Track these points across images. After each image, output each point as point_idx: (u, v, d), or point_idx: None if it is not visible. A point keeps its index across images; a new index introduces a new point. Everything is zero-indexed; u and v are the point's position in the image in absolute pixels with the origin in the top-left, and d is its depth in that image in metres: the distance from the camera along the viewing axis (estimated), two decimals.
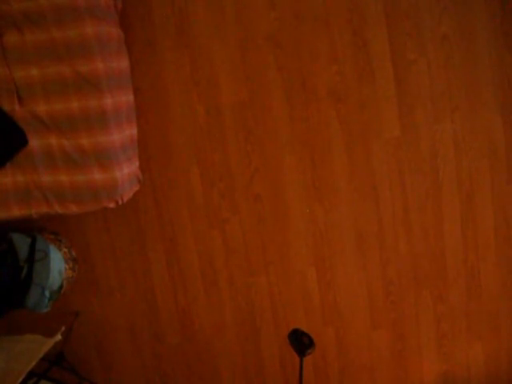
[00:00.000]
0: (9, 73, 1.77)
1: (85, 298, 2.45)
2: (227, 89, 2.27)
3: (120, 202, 1.97)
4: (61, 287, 2.08)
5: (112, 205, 1.94)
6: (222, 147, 2.32)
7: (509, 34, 2.21)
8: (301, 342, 1.93)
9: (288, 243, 2.40)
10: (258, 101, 2.28)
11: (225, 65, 2.25)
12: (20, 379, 1.78)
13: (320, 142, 2.31)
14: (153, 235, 2.39)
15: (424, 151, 2.32)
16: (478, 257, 2.41)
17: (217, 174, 2.34)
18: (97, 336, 2.50)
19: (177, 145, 2.32)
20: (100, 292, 2.45)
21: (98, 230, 2.39)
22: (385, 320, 2.47)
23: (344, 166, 2.33)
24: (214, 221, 2.38)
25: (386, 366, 2.53)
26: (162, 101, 2.28)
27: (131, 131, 2.07)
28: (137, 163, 2.15)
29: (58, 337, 1.95)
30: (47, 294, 1.98)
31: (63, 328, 2.02)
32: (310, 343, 1.92)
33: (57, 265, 2.06)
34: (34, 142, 1.83)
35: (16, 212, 1.88)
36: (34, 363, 1.85)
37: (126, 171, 1.97)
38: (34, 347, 1.96)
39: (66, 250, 2.22)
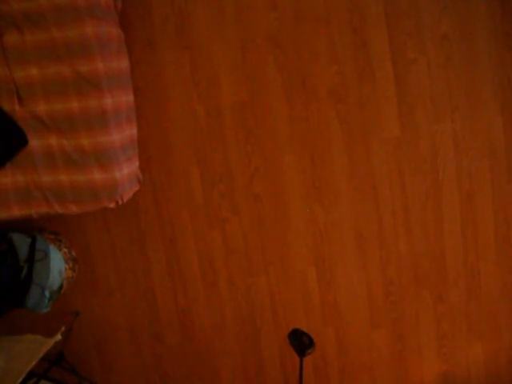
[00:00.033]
0: (9, 73, 1.77)
1: (85, 298, 2.45)
2: (227, 89, 2.27)
3: (120, 202, 1.97)
4: (61, 287, 2.08)
5: (112, 205, 1.94)
6: (222, 147, 2.32)
7: (509, 34, 2.21)
8: (301, 341, 1.93)
9: (288, 243, 2.40)
10: (257, 101, 2.28)
11: (225, 65, 2.25)
12: (20, 379, 1.78)
13: (320, 142, 2.31)
14: (153, 235, 2.39)
15: (424, 151, 2.32)
16: (478, 257, 2.41)
17: (217, 174, 2.34)
18: (97, 336, 2.50)
19: (177, 145, 2.32)
20: (100, 292, 2.45)
21: (98, 230, 2.39)
22: (385, 320, 2.47)
23: (344, 165, 2.33)
24: (214, 221, 2.38)
25: (385, 365, 2.53)
26: (161, 101, 2.28)
27: (131, 131, 2.07)
28: (137, 163, 2.15)
29: (58, 337, 1.95)
30: (47, 294, 1.98)
31: (63, 328, 2.02)
32: (310, 343, 1.92)
33: (57, 265, 2.06)
34: (34, 142, 1.83)
35: (16, 212, 1.88)
36: (33, 363, 1.85)
37: (126, 171, 1.97)
38: (34, 347, 1.96)
39: (65, 250, 2.22)
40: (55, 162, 1.84)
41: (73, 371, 2.28)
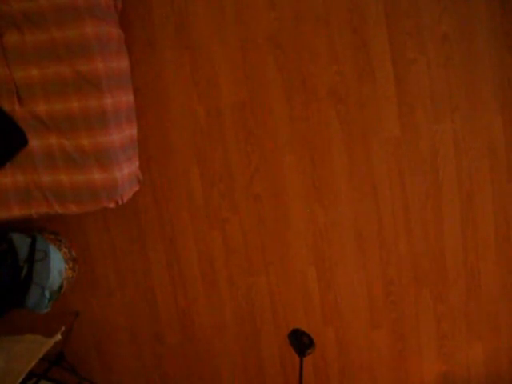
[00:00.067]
0: (9, 73, 1.77)
1: (85, 298, 2.45)
2: (227, 89, 2.27)
3: (120, 202, 1.97)
4: (61, 287, 2.08)
5: (112, 205, 1.94)
6: (222, 147, 2.32)
7: (509, 34, 2.21)
8: (301, 341, 1.93)
9: (288, 243, 2.40)
10: (257, 101, 2.28)
11: (225, 65, 2.25)
12: (20, 379, 1.78)
13: (320, 142, 2.31)
14: (153, 235, 2.39)
15: (424, 151, 2.32)
16: (478, 257, 2.41)
17: (217, 174, 2.34)
18: (97, 336, 2.50)
19: (177, 145, 2.32)
20: (100, 292, 2.45)
21: (98, 230, 2.39)
22: (385, 320, 2.47)
23: (344, 165, 2.33)
24: (214, 221, 2.38)
25: (386, 366, 2.53)
26: (161, 101, 2.28)
27: (131, 131, 2.07)
28: (137, 163, 2.15)
29: (58, 337, 1.95)
30: (47, 294, 1.98)
31: (63, 328, 2.02)
32: (310, 343, 1.92)
33: (57, 265, 2.06)
34: (34, 142, 1.83)
35: (16, 212, 1.88)
36: (33, 363, 1.85)
37: (126, 171, 1.97)
38: (34, 347, 1.96)
39: (65, 250, 2.22)
40: (55, 161, 1.84)
41: (73, 371, 2.28)
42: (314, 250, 2.40)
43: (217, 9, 2.21)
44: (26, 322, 2.40)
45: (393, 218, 2.37)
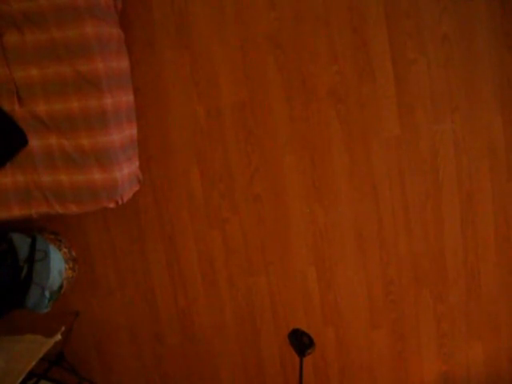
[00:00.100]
0: (9, 73, 1.77)
1: (85, 298, 2.45)
2: (227, 89, 2.27)
3: (120, 202, 1.97)
4: (61, 287, 2.08)
5: (112, 205, 1.94)
6: (222, 147, 2.32)
7: (509, 34, 2.21)
8: (301, 341, 1.93)
9: (288, 243, 2.40)
10: (257, 101, 2.28)
11: (225, 65, 2.25)
12: (20, 379, 1.78)
13: (320, 142, 2.31)
14: (153, 235, 2.39)
15: (424, 151, 2.32)
16: (478, 257, 2.41)
17: (217, 174, 2.34)
18: (97, 336, 2.50)
19: (177, 145, 2.32)
20: (100, 292, 2.45)
21: (98, 230, 2.39)
22: (385, 320, 2.47)
23: (344, 165, 2.33)
24: (213, 221, 2.38)
25: (386, 365, 2.53)
26: (161, 101, 2.28)
27: (131, 131, 2.07)
28: (137, 163, 2.15)
29: (58, 337, 1.95)
30: (47, 294, 1.98)
31: (63, 328, 2.02)
32: (310, 343, 1.92)
33: (57, 265, 2.06)
34: (34, 142, 1.83)
35: (16, 212, 1.88)
36: (33, 363, 1.85)
37: (126, 171, 1.97)
38: (34, 347, 1.96)
39: (65, 250, 2.22)
40: (55, 161, 1.84)
41: (73, 371, 2.28)
42: (314, 250, 2.40)
43: (217, 9, 2.21)
44: (26, 321, 2.40)
45: (393, 218, 2.37)
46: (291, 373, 2.52)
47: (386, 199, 2.35)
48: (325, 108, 2.28)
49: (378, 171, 2.33)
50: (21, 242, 1.99)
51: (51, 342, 1.94)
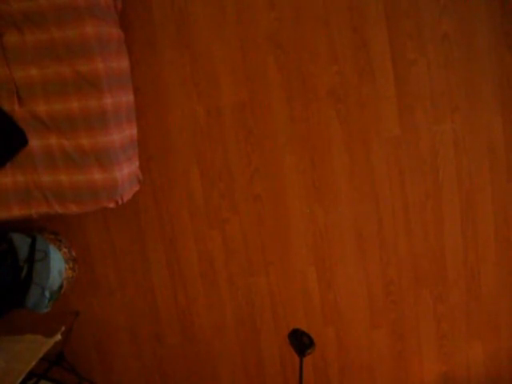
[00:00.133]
0: (9, 73, 1.77)
1: (85, 298, 2.45)
2: (227, 89, 2.27)
3: (120, 202, 1.97)
4: (61, 287, 2.08)
5: (112, 205, 1.94)
6: (222, 147, 2.32)
7: (509, 34, 2.21)
8: (301, 341, 1.93)
9: (288, 243, 2.40)
10: (258, 101, 2.28)
11: (225, 65, 2.25)
12: (20, 379, 1.78)
13: (320, 142, 2.31)
14: (153, 235, 2.39)
15: (424, 151, 2.32)
16: (478, 257, 2.41)
17: (217, 174, 2.34)
18: (97, 336, 2.50)
19: (177, 145, 2.32)
20: (100, 292, 2.45)
21: (98, 230, 2.39)
22: (385, 320, 2.47)
23: (344, 165, 2.33)
24: (213, 221, 2.38)
25: (385, 365, 2.53)
26: (161, 101, 2.28)
27: (131, 131, 2.07)
28: (137, 163, 2.15)
29: (58, 337, 1.95)
30: (47, 294, 1.98)
31: (63, 328, 2.03)
32: (310, 343, 1.92)
33: (57, 265, 2.06)
34: (34, 142, 1.83)
35: (16, 212, 1.88)
36: (33, 363, 1.85)
37: (126, 171, 1.97)
38: (34, 347, 1.96)
39: (65, 250, 2.22)
40: (55, 162, 1.84)
41: (73, 371, 2.28)
42: (314, 250, 2.40)
43: (217, 9, 2.21)
44: (26, 321, 2.40)
45: (393, 218, 2.37)
46: (291, 373, 2.52)
47: (386, 199, 2.35)
48: (325, 108, 2.28)
49: (377, 171, 2.33)
50: (21, 242, 1.99)
51: (51, 341, 1.94)
